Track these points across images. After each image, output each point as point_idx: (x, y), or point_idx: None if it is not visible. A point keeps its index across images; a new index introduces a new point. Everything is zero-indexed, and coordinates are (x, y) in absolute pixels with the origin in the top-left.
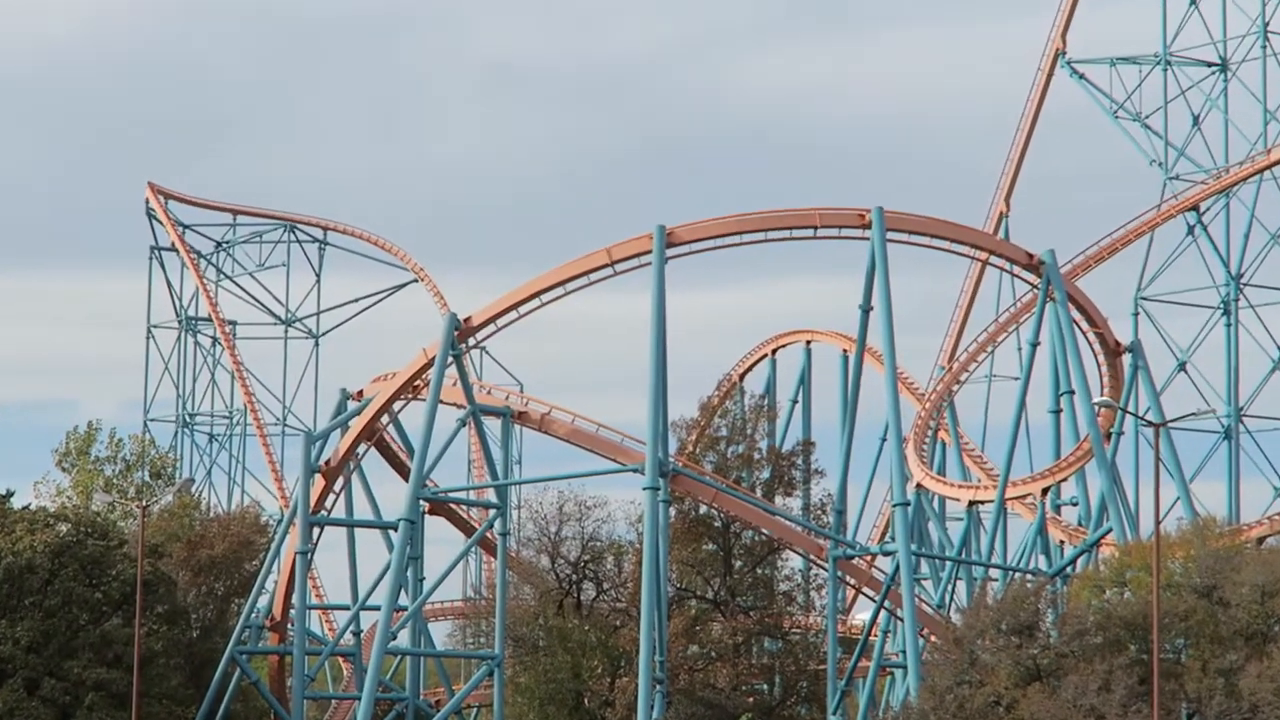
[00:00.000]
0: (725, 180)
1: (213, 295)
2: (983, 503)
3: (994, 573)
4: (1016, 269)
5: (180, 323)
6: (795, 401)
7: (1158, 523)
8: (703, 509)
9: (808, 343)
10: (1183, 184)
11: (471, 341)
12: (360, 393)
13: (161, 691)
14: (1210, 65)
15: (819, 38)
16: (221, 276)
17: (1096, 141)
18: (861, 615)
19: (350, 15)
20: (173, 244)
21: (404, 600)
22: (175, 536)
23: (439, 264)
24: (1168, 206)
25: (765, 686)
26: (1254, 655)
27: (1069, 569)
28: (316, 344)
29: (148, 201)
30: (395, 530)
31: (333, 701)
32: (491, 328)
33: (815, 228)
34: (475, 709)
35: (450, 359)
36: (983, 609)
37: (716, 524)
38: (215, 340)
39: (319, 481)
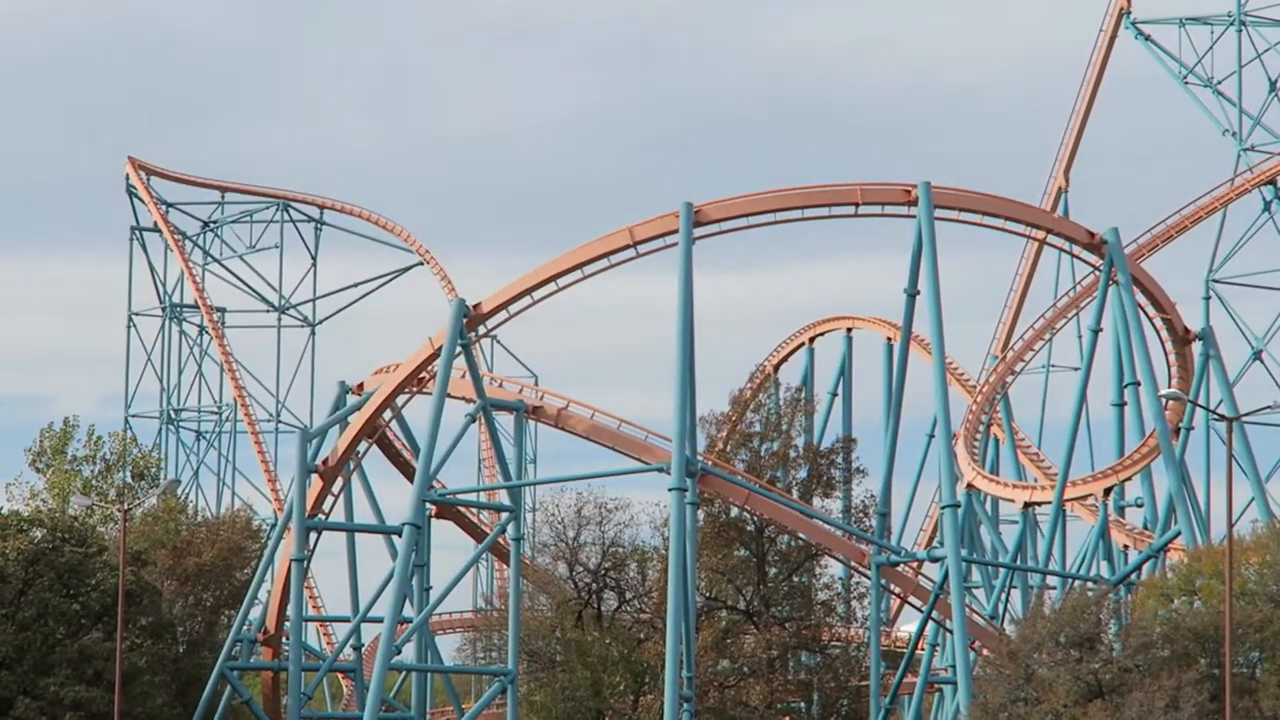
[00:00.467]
0: (757, 153)
1: (199, 280)
2: (1039, 504)
3: (1051, 580)
4: (1076, 249)
5: (164, 310)
6: (835, 394)
7: (1230, 525)
8: (734, 512)
9: (848, 330)
10: (1258, 155)
11: (482, 330)
12: (360, 386)
13: (145, 711)
14: None
15: None
16: (209, 259)
17: (1164, 110)
18: (907, 627)
19: None
20: (155, 224)
21: (409, 611)
22: (160, 543)
23: (445, 246)
24: (1242, 180)
25: (802, 705)
26: None
27: (1133, 576)
28: (313, 333)
29: (128, 178)
30: (399, 535)
31: None
32: (503, 315)
33: (856, 205)
34: None
35: (458, 349)
36: (1039, 620)
37: (749, 528)
38: (202, 329)
39: (316, 482)
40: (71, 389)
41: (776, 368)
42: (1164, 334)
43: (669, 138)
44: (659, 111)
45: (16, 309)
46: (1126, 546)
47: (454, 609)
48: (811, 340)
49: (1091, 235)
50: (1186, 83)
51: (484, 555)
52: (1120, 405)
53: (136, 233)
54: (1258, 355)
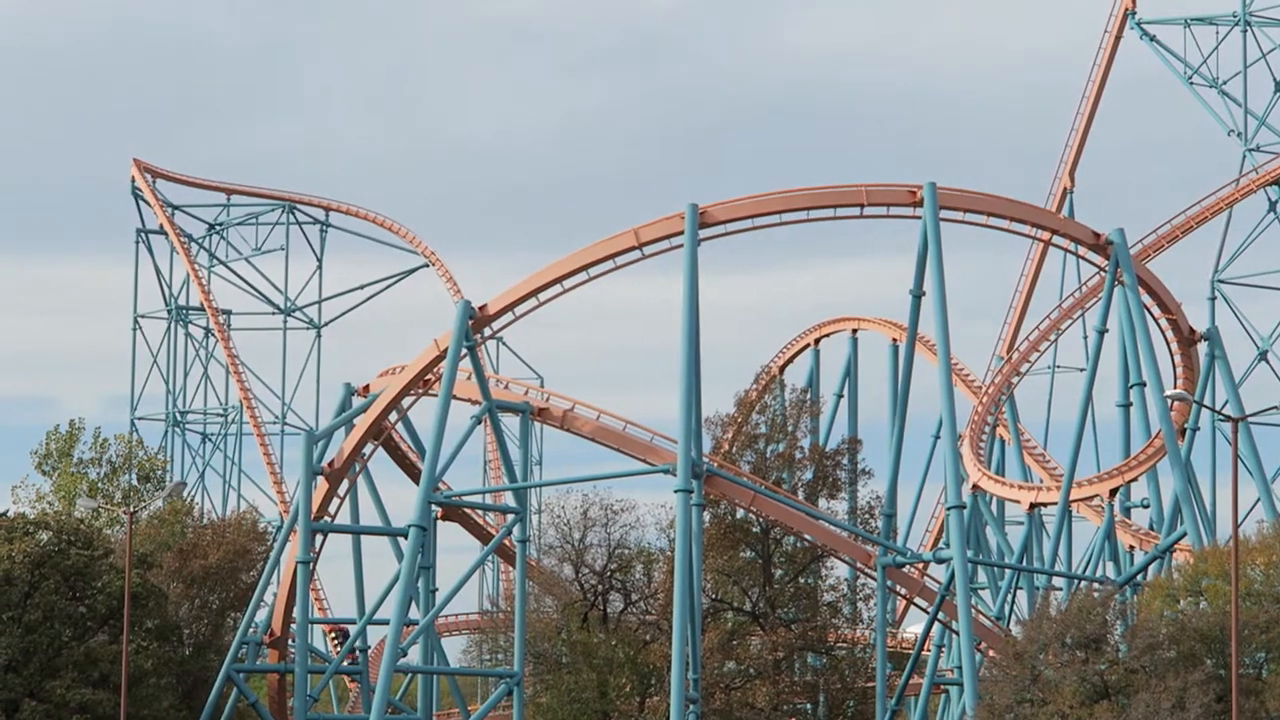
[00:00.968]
0: (762, 154)
1: (205, 282)
2: (1045, 505)
3: (1058, 581)
4: (1082, 250)
5: (170, 312)
6: (840, 395)
7: (1236, 526)
8: (740, 513)
9: (854, 331)
10: (1264, 155)
11: (487, 331)
12: (366, 388)
13: (151, 714)
14: None
15: None
16: (214, 261)
17: (1169, 110)
18: (913, 628)
19: None
20: (161, 226)
21: (415, 613)
22: (166, 545)
23: (451, 247)
24: (1247, 181)
25: (808, 706)
26: None
27: (1139, 577)
28: (318, 335)
29: (133, 180)
30: (405, 537)
31: None
32: (509, 316)
33: (862, 206)
34: None
35: (464, 351)
36: (1045, 621)
37: (755, 529)
38: (208, 331)
39: (321, 484)
40: (77, 391)
41: (782, 369)
42: (1169, 335)
43: (674, 139)
44: (664, 112)
45: (23, 311)
46: (1132, 547)
47: (460, 611)
48: (817, 341)
49: (1097, 236)
50: (1192, 83)
51: (490, 557)
52: (1126, 406)
53: (142, 235)
54: (1263, 356)
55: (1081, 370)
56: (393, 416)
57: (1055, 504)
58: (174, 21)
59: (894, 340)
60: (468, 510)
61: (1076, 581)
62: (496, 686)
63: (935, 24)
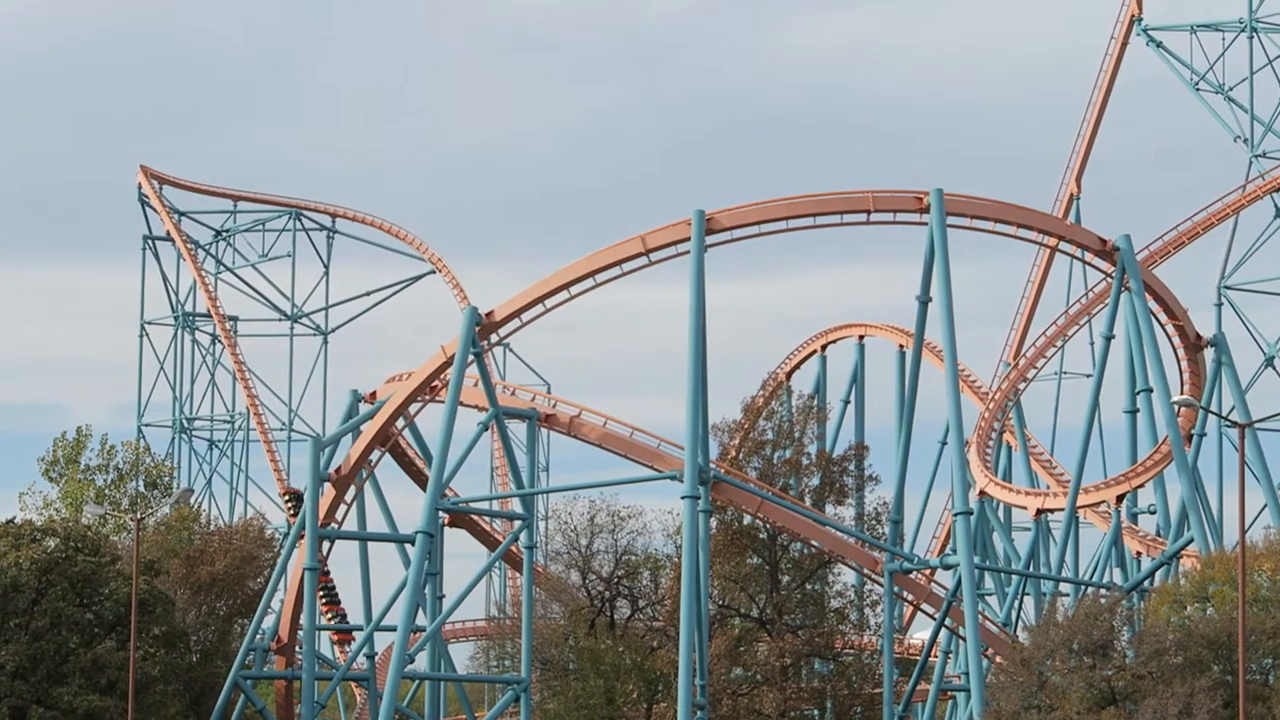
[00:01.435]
0: (769, 161)
1: (212, 289)
2: (1052, 511)
3: (1064, 587)
4: (1088, 256)
5: (176, 319)
6: (847, 402)
7: (1243, 532)
8: (747, 519)
9: (860, 338)
10: (1270, 162)
11: (494, 338)
12: (373, 394)
13: None
14: None
15: (871, 1)
16: (221, 268)
17: (1176, 116)
18: (920, 634)
19: None
20: (168, 233)
21: (422, 620)
22: (173, 552)
23: (458, 254)
24: (1254, 187)
25: (816, 712)
26: None
27: (1146, 583)
28: (325, 341)
29: (140, 186)
30: (412, 544)
31: None
32: (516, 323)
33: (869, 212)
34: None
35: (471, 357)
36: (1052, 627)
37: (762, 535)
38: (215, 338)
39: (328, 491)
40: (84, 398)
41: (789, 375)
42: (1176, 341)
43: (681, 145)
44: (670, 119)
45: (29, 318)
46: (1139, 553)
47: (467, 617)
48: (824, 348)
49: (1103, 242)
50: (1198, 89)
51: (497, 563)
52: (1133, 412)
53: (149, 242)
54: (1270, 362)
55: (1088, 376)
56: (400, 423)
57: (1062, 510)
58: (180, 28)
59: (901, 346)
60: (475, 517)
61: (1083, 587)
62: (504, 693)
63: (941, 31)
